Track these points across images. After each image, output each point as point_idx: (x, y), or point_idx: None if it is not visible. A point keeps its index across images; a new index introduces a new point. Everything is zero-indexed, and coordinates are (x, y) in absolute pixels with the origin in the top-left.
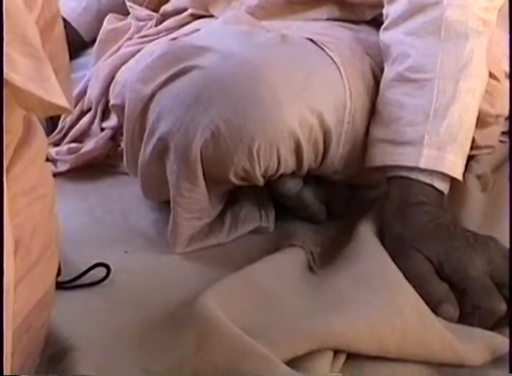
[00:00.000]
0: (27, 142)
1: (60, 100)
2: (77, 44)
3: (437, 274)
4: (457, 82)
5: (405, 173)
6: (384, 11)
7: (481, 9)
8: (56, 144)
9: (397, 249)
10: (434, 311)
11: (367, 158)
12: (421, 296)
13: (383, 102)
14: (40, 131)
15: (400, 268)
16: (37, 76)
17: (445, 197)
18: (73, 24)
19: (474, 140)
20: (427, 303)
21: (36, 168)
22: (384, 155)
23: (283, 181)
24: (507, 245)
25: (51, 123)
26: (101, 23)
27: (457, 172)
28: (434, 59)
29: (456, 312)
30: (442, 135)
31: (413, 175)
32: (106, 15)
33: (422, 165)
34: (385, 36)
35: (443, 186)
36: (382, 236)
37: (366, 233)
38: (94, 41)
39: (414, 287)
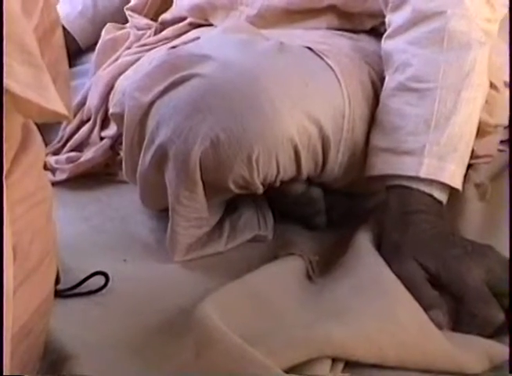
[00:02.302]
0: (25, 149)
1: (59, 107)
2: (73, 49)
3: (434, 282)
4: (459, 92)
5: (405, 182)
6: (387, 19)
7: (483, 20)
8: (56, 153)
9: (393, 256)
10: None
11: (367, 167)
12: None
13: (384, 111)
14: (38, 137)
15: (394, 274)
16: (35, 84)
17: (444, 206)
18: (68, 29)
19: (472, 150)
20: None
21: (34, 175)
22: (384, 164)
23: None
24: (505, 254)
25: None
26: (96, 29)
27: (457, 182)
28: (436, 68)
29: (445, 319)
30: (443, 145)
31: (413, 185)
32: (102, 20)
33: (422, 175)
34: (387, 44)
35: (442, 196)
36: (380, 244)
37: (364, 241)
38: (90, 47)
39: None
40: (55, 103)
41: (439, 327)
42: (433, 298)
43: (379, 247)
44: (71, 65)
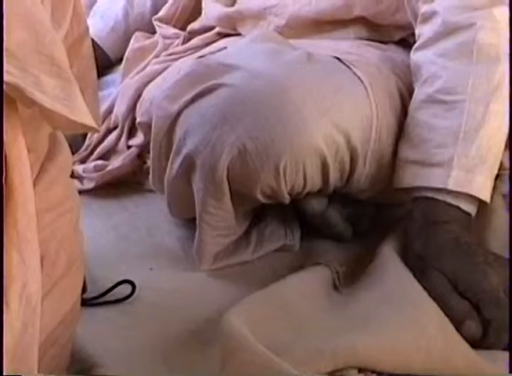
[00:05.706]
0: (53, 158)
1: (87, 119)
2: (104, 63)
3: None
4: (487, 105)
5: (432, 194)
6: (417, 31)
7: None
8: (83, 161)
9: (418, 268)
10: (457, 329)
11: (395, 179)
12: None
13: (412, 123)
14: (65, 147)
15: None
16: (64, 96)
17: (472, 217)
18: (100, 44)
19: (500, 162)
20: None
21: (61, 184)
22: (412, 176)
23: (308, 199)
24: None
25: (82, 138)
26: (127, 43)
27: (485, 194)
28: (465, 81)
29: (479, 330)
30: (472, 158)
31: (440, 196)
32: (133, 34)
33: (450, 187)
34: (416, 56)
35: (470, 208)
36: (406, 255)
37: (390, 252)
38: (120, 59)
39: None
40: (83, 116)
41: (473, 337)
42: (464, 309)
43: (405, 257)
44: (100, 76)
